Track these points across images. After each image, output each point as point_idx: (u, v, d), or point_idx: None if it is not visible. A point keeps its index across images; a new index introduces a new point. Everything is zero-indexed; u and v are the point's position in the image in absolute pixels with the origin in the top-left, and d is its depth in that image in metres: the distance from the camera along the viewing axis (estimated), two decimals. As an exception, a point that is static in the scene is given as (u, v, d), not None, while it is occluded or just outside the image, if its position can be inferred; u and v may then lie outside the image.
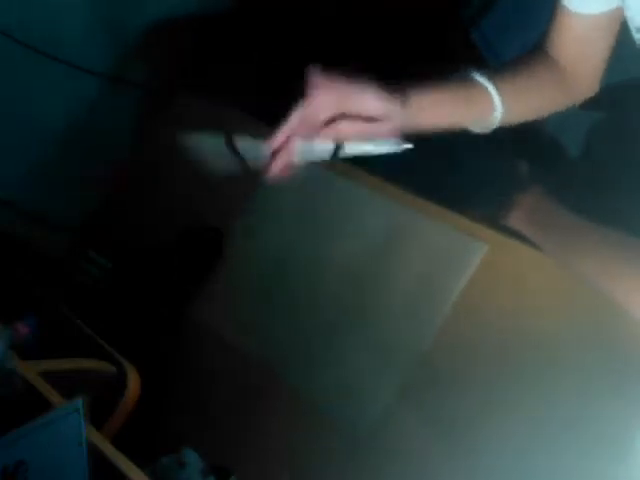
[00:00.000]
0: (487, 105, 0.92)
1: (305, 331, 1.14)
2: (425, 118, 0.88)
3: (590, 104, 1.19)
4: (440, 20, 1.45)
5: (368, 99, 0.84)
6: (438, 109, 0.89)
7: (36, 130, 1.44)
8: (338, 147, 0.89)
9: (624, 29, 0.96)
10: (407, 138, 0.89)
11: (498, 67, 0.97)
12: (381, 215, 1.14)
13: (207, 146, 0.97)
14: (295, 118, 0.87)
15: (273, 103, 1.43)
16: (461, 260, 1.05)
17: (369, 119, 0.85)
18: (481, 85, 0.91)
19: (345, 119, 0.85)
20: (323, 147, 0.90)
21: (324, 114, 0.85)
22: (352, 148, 0.89)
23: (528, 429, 0.95)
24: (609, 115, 1.20)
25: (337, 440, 1.06)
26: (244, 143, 0.93)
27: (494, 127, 0.95)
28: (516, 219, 1.02)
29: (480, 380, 0.99)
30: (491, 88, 0.91)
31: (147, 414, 1.10)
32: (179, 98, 1.41)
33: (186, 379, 1.21)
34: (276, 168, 0.89)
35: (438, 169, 1.15)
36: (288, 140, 0.88)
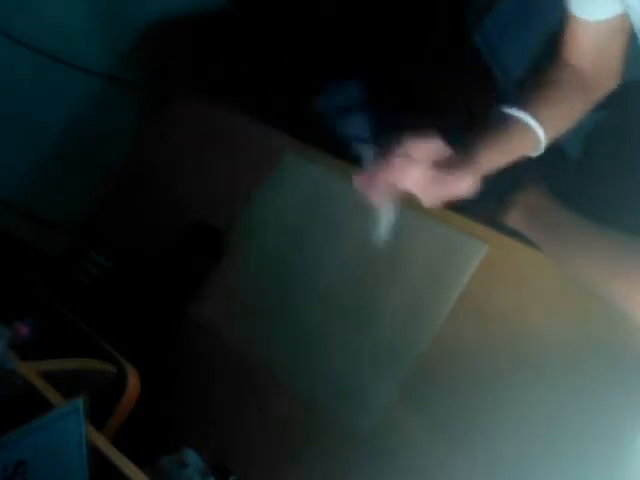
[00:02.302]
0: (534, 140, 0.96)
1: (305, 331, 1.14)
2: (487, 169, 0.92)
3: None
4: (441, 22, 1.45)
5: (462, 187, 0.87)
6: (497, 161, 0.93)
7: (36, 130, 1.44)
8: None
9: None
10: None
11: (527, 89, 1.00)
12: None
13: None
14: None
15: (273, 103, 1.44)
16: (461, 260, 1.05)
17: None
18: (526, 124, 0.95)
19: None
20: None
21: (412, 187, 0.88)
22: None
23: (528, 429, 0.95)
24: (609, 115, 1.20)
25: (337, 440, 1.06)
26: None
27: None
28: (516, 219, 1.02)
29: (480, 380, 0.99)
30: (534, 124, 0.95)
31: (147, 414, 1.10)
32: (179, 98, 1.41)
33: (186, 379, 1.21)
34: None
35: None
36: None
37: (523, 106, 0.96)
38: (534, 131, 0.95)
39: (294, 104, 1.46)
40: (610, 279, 0.89)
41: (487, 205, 1.03)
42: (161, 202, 1.34)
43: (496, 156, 0.92)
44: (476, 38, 1.40)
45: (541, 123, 0.95)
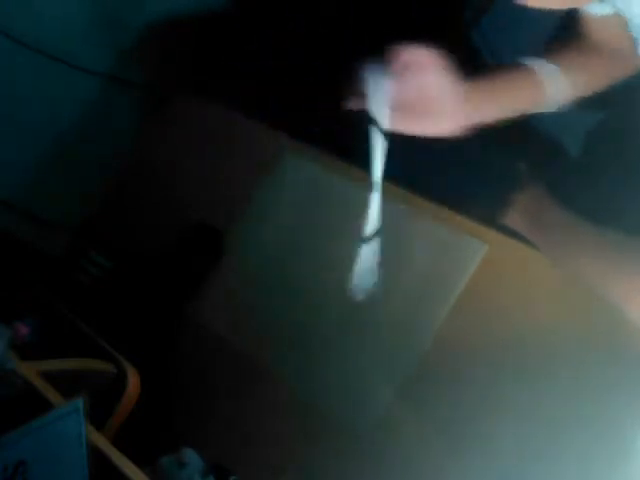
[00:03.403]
0: (540, 91, 0.91)
1: (305, 331, 1.14)
2: (483, 110, 0.88)
3: (590, 104, 1.18)
4: (440, 20, 1.45)
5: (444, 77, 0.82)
6: (495, 100, 0.89)
7: (36, 130, 1.44)
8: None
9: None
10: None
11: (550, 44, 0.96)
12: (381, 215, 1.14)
13: None
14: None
15: (273, 103, 1.43)
16: (461, 260, 1.05)
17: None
18: (528, 66, 0.90)
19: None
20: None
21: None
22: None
23: (527, 429, 0.95)
24: (609, 115, 1.20)
25: (337, 440, 1.06)
26: None
27: (561, 102, 0.93)
28: (515, 219, 1.02)
29: (480, 380, 0.99)
30: (538, 64, 0.90)
31: (147, 414, 1.10)
32: (179, 98, 1.41)
33: (186, 379, 1.21)
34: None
35: (437, 169, 1.15)
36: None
37: (543, 55, 0.91)
38: (541, 79, 0.91)
39: (294, 104, 1.46)
40: (610, 279, 0.89)
41: (487, 205, 1.03)
42: (161, 202, 1.34)
43: (493, 98, 0.88)
44: (474, 36, 1.40)
45: (559, 66, 0.91)
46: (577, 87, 0.95)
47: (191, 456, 0.98)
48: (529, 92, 0.92)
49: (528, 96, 0.92)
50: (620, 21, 0.96)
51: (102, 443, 0.90)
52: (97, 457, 0.88)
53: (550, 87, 0.92)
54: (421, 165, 1.08)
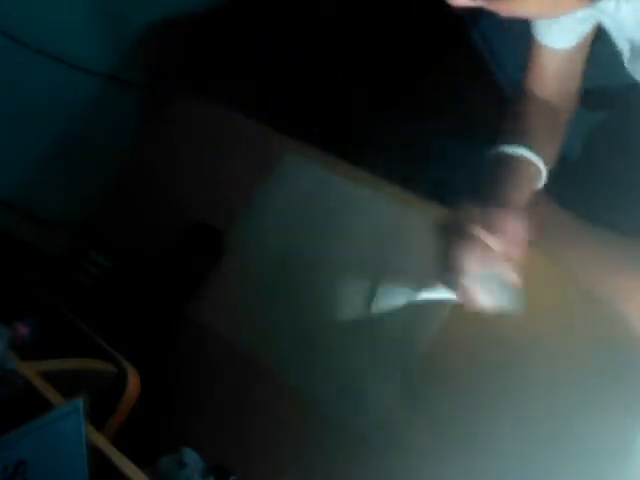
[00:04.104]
0: (538, 172, 0.98)
1: (305, 331, 1.14)
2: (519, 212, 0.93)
3: (590, 104, 1.19)
4: (440, 20, 1.45)
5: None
6: (521, 201, 0.94)
7: (36, 130, 1.44)
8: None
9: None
10: None
11: (519, 123, 1.01)
12: (381, 215, 1.14)
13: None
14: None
15: (273, 103, 1.44)
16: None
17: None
18: (526, 159, 0.97)
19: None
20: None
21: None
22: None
23: (527, 428, 0.95)
24: (609, 115, 1.20)
25: (337, 440, 1.06)
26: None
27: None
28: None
29: (480, 380, 0.99)
30: (534, 156, 0.97)
31: (147, 414, 1.10)
32: (179, 98, 1.41)
33: (186, 379, 1.21)
34: None
35: (437, 169, 1.15)
36: None
37: (516, 140, 0.97)
38: (535, 163, 0.97)
39: (294, 104, 1.46)
40: (609, 279, 0.89)
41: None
42: (161, 202, 1.34)
43: (519, 197, 0.93)
44: (474, 36, 1.40)
45: (538, 153, 0.97)
46: (553, 157, 1.02)
47: (191, 456, 0.98)
48: (535, 178, 0.99)
49: (535, 181, 0.99)
50: (582, 49, 0.99)
51: (102, 443, 0.90)
52: (97, 457, 0.88)
53: (541, 169, 0.98)
54: (421, 166, 1.08)
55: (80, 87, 1.45)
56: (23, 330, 1.08)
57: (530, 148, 0.97)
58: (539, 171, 0.98)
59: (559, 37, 0.97)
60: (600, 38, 0.98)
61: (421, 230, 1.10)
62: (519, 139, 0.98)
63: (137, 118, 1.50)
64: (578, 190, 1.08)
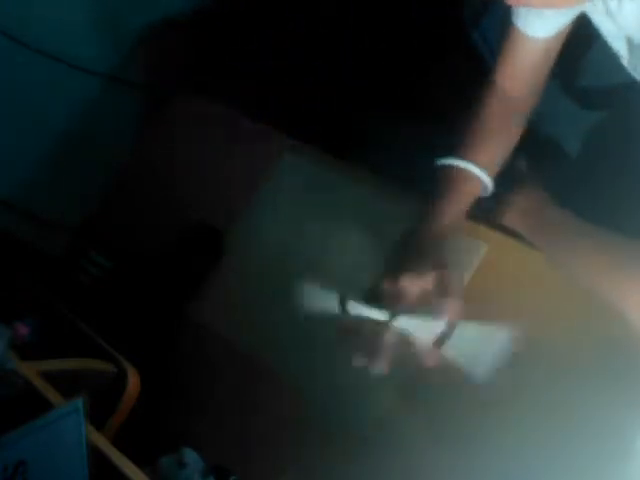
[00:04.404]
0: (481, 183, 1.00)
1: (305, 331, 1.14)
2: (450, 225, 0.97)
3: (590, 103, 1.19)
4: (440, 20, 1.45)
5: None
6: (455, 214, 0.98)
7: (36, 130, 1.44)
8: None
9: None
10: None
11: (461, 132, 1.02)
12: (381, 215, 1.14)
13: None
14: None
15: (273, 103, 1.44)
16: (461, 260, 1.05)
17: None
18: (469, 171, 0.98)
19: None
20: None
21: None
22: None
23: (527, 429, 0.95)
24: (609, 115, 1.20)
25: (337, 440, 1.06)
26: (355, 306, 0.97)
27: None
28: (515, 219, 1.02)
29: (480, 380, 0.99)
30: (476, 170, 0.98)
31: (147, 414, 1.10)
32: (179, 98, 1.41)
33: (186, 379, 1.21)
34: None
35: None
36: None
37: (460, 152, 0.98)
38: (478, 175, 0.98)
39: (294, 104, 1.46)
40: (609, 280, 0.89)
41: (485, 205, 1.03)
42: (161, 202, 1.34)
43: (453, 210, 0.96)
44: (474, 36, 1.40)
45: (482, 166, 0.98)
46: (498, 165, 1.02)
47: (191, 456, 0.98)
48: (477, 189, 1.00)
49: (477, 191, 1.01)
50: (557, 40, 0.98)
51: (102, 443, 0.90)
52: (97, 457, 0.88)
53: (485, 180, 1.00)
54: (420, 166, 1.08)
55: (80, 87, 1.45)
56: (23, 330, 1.08)
57: (472, 161, 0.98)
58: (482, 184, 0.99)
59: (540, 26, 0.95)
60: (600, 37, 0.98)
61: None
62: (463, 151, 0.99)
63: (137, 118, 1.50)
64: (578, 189, 1.08)
